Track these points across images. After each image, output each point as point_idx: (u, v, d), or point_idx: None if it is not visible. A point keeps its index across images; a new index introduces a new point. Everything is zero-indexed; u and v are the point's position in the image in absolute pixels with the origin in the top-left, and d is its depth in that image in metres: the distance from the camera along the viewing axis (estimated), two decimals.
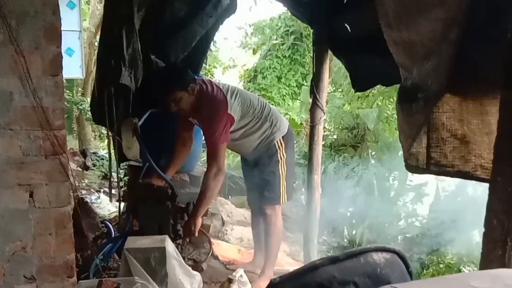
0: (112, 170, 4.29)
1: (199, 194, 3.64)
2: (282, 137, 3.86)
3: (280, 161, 3.85)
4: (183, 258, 3.66)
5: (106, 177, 4.88)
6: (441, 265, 6.37)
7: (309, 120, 4.28)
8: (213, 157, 3.57)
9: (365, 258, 1.34)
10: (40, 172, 1.97)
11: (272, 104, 11.26)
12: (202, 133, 4.23)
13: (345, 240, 7.45)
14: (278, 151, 3.84)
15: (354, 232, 7.33)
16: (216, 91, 3.63)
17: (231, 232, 5.19)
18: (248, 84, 12.81)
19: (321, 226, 7.12)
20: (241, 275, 3.20)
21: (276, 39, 12.58)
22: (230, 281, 3.03)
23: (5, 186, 1.93)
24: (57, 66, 1.95)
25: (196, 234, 3.67)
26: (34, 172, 1.96)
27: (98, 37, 6.25)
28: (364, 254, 1.35)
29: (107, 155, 4.48)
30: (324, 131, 8.86)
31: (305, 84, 11.72)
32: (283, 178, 3.87)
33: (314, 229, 4.02)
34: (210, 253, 4.02)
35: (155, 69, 3.92)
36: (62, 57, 1.97)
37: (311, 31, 4.15)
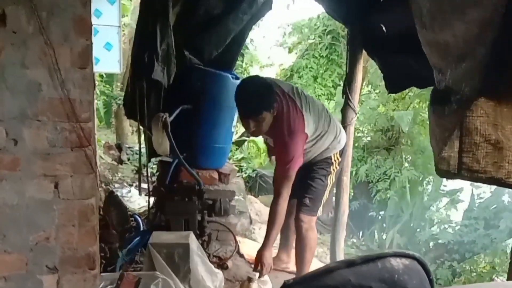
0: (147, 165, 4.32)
1: (268, 222, 3.29)
2: (340, 150, 3.57)
3: (332, 172, 3.56)
4: (209, 255, 3.66)
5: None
6: (473, 274, 6.21)
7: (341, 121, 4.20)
8: (283, 184, 3.20)
9: (382, 263, 1.30)
10: (66, 164, 1.97)
11: None
12: (233, 130, 4.21)
13: (375, 244, 7.35)
14: (334, 164, 3.54)
15: (384, 236, 7.23)
16: (291, 107, 3.22)
17: (259, 231, 5.17)
18: None
19: (351, 229, 7.09)
20: None
21: (313, 39, 12.48)
22: (250, 280, 3.01)
23: (31, 176, 1.93)
24: (85, 59, 1.93)
25: (267, 272, 3.27)
26: (59, 164, 1.95)
27: None
28: (382, 259, 1.30)
29: (143, 150, 4.52)
30: (357, 133, 8.78)
31: (341, 84, 11.55)
32: (327, 190, 3.59)
33: (342, 231, 3.96)
34: (235, 250, 4.01)
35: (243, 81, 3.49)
36: (91, 50, 1.96)
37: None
